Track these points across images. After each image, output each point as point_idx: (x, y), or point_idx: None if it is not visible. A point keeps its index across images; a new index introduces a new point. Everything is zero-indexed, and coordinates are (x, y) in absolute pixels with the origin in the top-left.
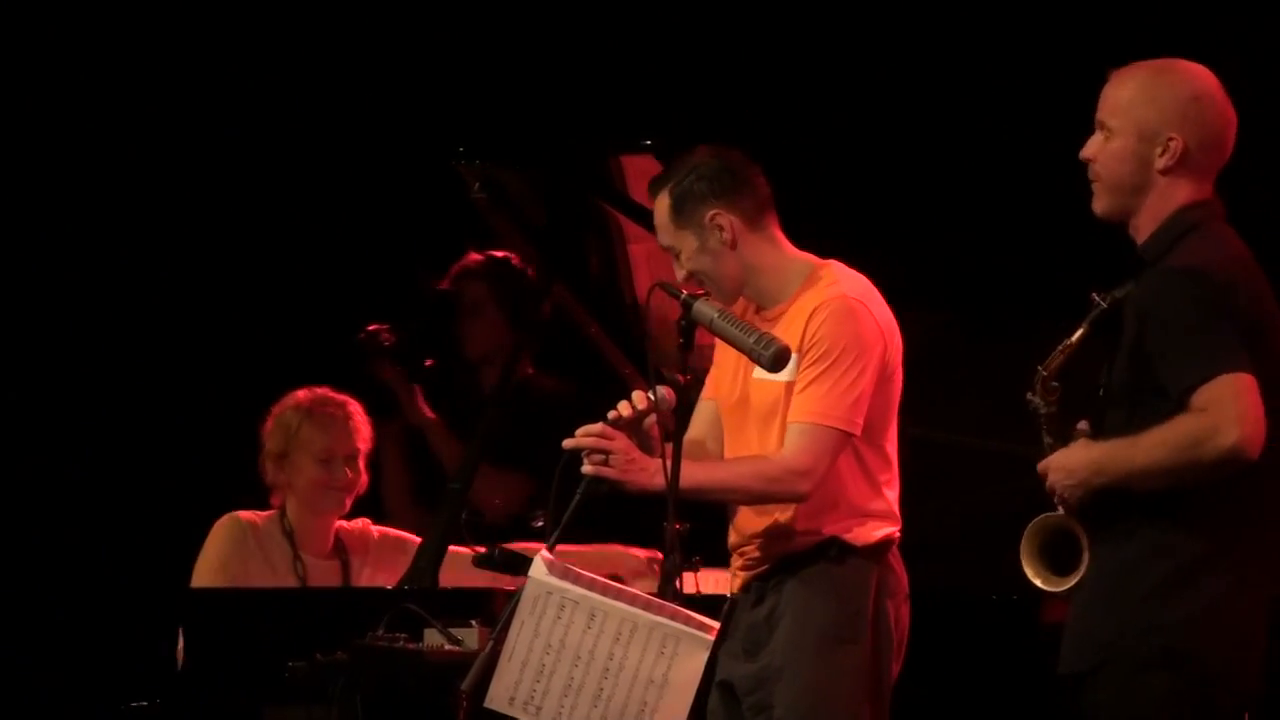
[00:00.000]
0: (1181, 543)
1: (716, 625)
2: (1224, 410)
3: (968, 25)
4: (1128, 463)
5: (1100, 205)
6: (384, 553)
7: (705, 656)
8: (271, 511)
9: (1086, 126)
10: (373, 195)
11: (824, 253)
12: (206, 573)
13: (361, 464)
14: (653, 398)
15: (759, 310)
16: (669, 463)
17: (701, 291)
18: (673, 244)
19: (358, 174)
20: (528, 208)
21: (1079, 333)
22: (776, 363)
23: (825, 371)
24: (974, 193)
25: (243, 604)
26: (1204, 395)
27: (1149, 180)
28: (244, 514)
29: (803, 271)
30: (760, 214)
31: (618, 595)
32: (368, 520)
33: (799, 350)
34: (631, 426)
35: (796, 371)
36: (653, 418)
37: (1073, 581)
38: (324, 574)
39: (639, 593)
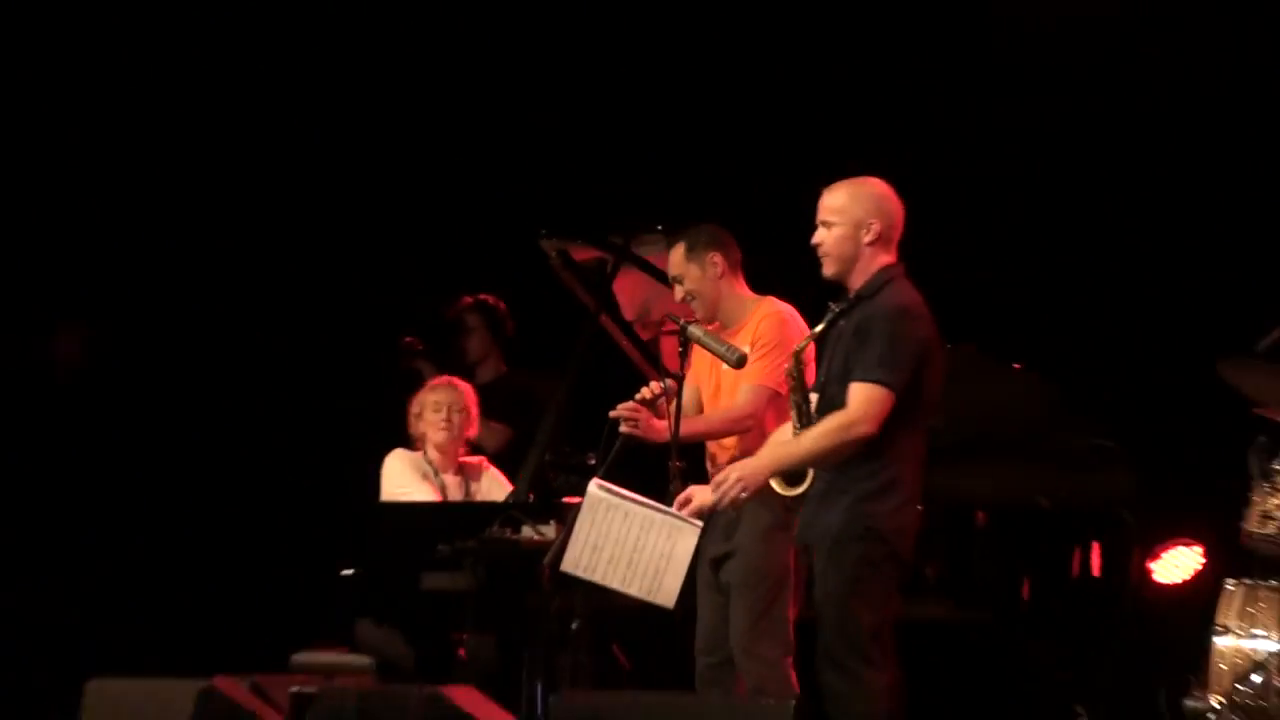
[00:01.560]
0: (880, 470)
1: (702, 523)
2: (863, 409)
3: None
4: (796, 453)
5: (829, 271)
6: (486, 482)
7: (695, 540)
8: (415, 451)
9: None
10: (411, 250)
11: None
12: (401, 476)
13: (465, 420)
14: (663, 386)
15: (723, 328)
16: (673, 423)
17: (694, 317)
18: (681, 272)
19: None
20: (587, 267)
21: (819, 327)
22: (739, 364)
23: (765, 354)
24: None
25: (411, 512)
26: (859, 390)
27: (860, 251)
28: (403, 450)
29: (755, 303)
30: (735, 266)
31: (642, 504)
32: (484, 458)
33: (751, 345)
34: (650, 403)
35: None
36: (664, 398)
37: (801, 489)
38: (453, 486)
39: (656, 503)
